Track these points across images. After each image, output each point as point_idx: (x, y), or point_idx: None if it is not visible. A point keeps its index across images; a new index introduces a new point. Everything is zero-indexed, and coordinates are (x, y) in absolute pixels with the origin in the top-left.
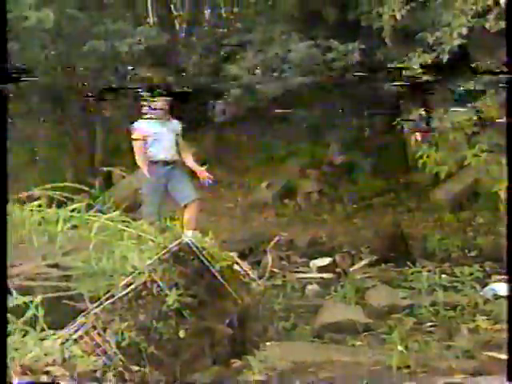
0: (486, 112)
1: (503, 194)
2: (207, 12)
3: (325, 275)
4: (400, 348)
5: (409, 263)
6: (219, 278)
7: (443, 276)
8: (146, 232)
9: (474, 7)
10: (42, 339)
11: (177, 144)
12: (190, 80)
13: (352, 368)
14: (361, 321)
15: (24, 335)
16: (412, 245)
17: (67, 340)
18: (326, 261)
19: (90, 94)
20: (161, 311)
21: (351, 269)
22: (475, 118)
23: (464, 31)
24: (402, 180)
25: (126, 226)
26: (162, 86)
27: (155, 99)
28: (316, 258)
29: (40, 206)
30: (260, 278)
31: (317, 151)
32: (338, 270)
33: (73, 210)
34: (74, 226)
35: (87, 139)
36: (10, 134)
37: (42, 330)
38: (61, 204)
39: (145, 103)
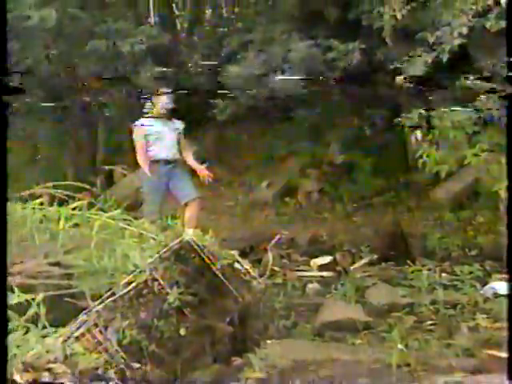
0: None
1: (503, 194)
2: (208, 12)
3: (325, 274)
4: (400, 346)
5: (409, 262)
6: (220, 276)
7: (443, 275)
8: (147, 230)
9: (474, 7)
10: (44, 337)
11: (178, 143)
12: (191, 79)
13: (352, 366)
14: (361, 319)
15: (26, 333)
16: (412, 243)
17: (69, 338)
18: (326, 259)
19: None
20: (162, 309)
21: (351, 267)
22: (475, 116)
23: (464, 31)
24: (402, 179)
25: (128, 225)
26: (163, 85)
27: (156, 98)
28: (316, 257)
29: (42, 204)
30: (261, 276)
31: (317, 150)
32: (338, 268)
33: (74, 209)
34: (76, 225)
35: (89, 138)
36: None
37: (44, 327)
38: (62, 202)
39: (146, 102)
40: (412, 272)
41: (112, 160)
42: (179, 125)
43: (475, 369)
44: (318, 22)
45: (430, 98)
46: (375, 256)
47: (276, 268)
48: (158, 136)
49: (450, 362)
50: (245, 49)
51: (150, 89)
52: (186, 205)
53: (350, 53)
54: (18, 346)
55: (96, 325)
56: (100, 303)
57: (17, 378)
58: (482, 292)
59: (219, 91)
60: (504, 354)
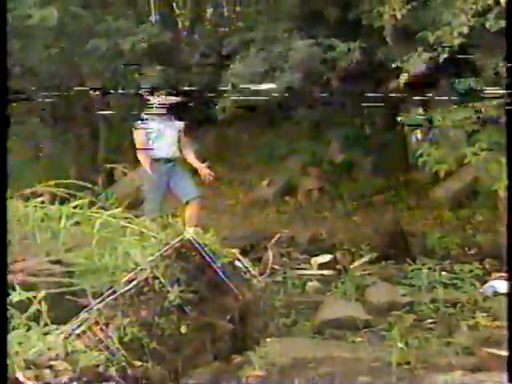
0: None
1: (502, 193)
2: (209, 10)
3: (325, 272)
4: (400, 344)
5: (409, 260)
6: (220, 274)
7: (443, 273)
8: (148, 228)
9: (474, 6)
10: (45, 334)
11: (178, 141)
12: (191, 78)
13: (352, 364)
14: (361, 317)
15: (27, 330)
16: (412, 242)
17: (70, 335)
18: (326, 258)
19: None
20: (163, 307)
21: (351, 266)
22: (475, 116)
23: (464, 30)
24: (402, 178)
25: (129, 223)
26: (163, 83)
27: (157, 97)
28: (317, 255)
29: (43, 202)
30: (261, 274)
31: (317, 149)
32: (338, 266)
33: (75, 207)
34: (77, 223)
35: (90, 137)
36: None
37: (46, 325)
38: (64, 201)
39: (147, 101)
40: (412, 270)
41: (113, 159)
42: (179, 123)
43: (475, 367)
44: (319, 21)
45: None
46: (375, 254)
47: (276, 266)
48: (158, 134)
49: (449, 360)
50: (246, 48)
51: (150, 87)
52: (186, 203)
53: (351, 52)
54: (19, 344)
55: (97, 322)
56: (101, 301)
57: (18, 375)
58: (481, 290)
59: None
60: (503, 353)
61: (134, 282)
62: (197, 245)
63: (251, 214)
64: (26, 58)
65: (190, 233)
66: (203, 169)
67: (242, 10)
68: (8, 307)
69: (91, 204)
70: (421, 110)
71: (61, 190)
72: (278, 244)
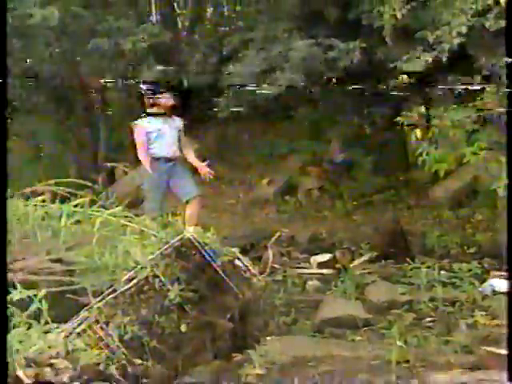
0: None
1: (501, 192)
2: (209, 10)
3: (325, 271)
4: (399, 343)
5: (408, 259)
6: (221, 273)
7: (442, 272)
8: (148, 227)
9: (473, 6)
10: (46, 332)
11: (179, 140)
12: (192, 77)
13: (352, 362)
14: (360, 316)
15: (28, 328)
16: (411, 241)
17: (70, 333)
18: (326, 257)
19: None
20: (163, 305)
21: (351, 265)
22: (475, 115)
23: (464, 30)
24: (401, 177)
25: (129, 222)
26: (164, 83)
27: (158, 96)
28: (316, 254)
29: (44, 201)
30: (261, 273)
31: (317, 149)
32: (338, 265)
33: (76, 206)
34: (78, 221)
35: (91, 136)
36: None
37: (46, 323)
38: (64, 199)
39: (147, 100)
40: (411, 269)
41: (113, 157)
42: (180, 123)
43: (473, 365)
44: (319, 21)
45: (430, 96)
46: (375, 253)
47: (276, 265)
48: (158, 134)
49: (448, 358)
50: (246, 47)
51: (151, 87)
52: (186, 202)
53: (351, 52)
54: (20, 342)
55: (97, 321)
56: (101, 299)
57: (19, 373)
58: (480, 289)
59: (220, 89)
60: (502, 351)
61: (134, 281)
62: (197, 244)
63: (251, 213)
64: (27, 58)
65: (190, 232)
66: (203, 168)
67: (242, 10)
68: (9, 305)
69: (92, 203)
70: (420, 110)
71: (61, 188)
72: (278, 243)
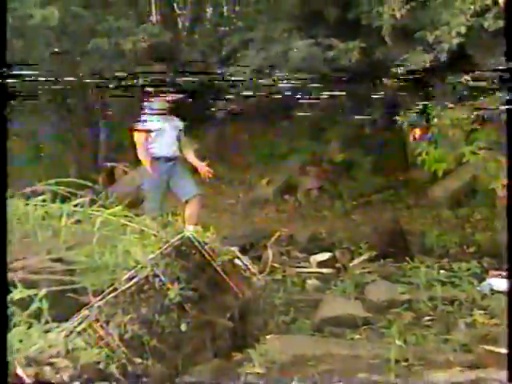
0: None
1: (500, 191)
2: (209, 10)
3: (324, 270)
4: (398, 342)
5: (407, 259)
6: (220, 272)
7: (441, 271)
8: (148, 227)
9: (472, 6)
10: (46, 331)
11: (178, 140)
12: (191, 77)
13: (351, 361)
14: (360, 315)
15: (28, 327)
16: (411, 241)
17: (71, 332)
18: (325, 256)
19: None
20: (163, 305)
21: (351, 264)
22: (473, 115)
23: (463, 30)
24: (401, 177)
25: (129, 221)
26: (164, 83)
27: (158, 96)
28: (316, 254)
29: (44, 200)
30: (261, 272)
31: (317, 148)
32: (337, 265)
33: (76, 205)
34: (78, 221)
35: (91, 136)
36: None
37: (46, 322)
38: (64, 199)
39: (147, 100)
40: (410, 269)
41: (113, 158)
42: (179, 122)
43: (472, 364)
44: (319, 20)
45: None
46: (374, 253)
47: (276, 264)
48: (158, 134)
49: (447, 357)
50: (245, 47)
51: (151, 87)
52: (186, 202)
53: (350, 51)
54: (20, 341)
55: (98, 320)
56: (102, 299)
57: (20, 372)
58: (479, 288)
59: (220, 89)
60: (501, 350)
61: (135, 280)
62: (197, 243)
63: (251, 213)
64: (27, 58)
65: (190, 231)
66: (203, 167)
67: (242, 10)
68: (9, 305)
69: (92, 202)
70: (419, 109)
71: (61, 188)
72: (278, 242)
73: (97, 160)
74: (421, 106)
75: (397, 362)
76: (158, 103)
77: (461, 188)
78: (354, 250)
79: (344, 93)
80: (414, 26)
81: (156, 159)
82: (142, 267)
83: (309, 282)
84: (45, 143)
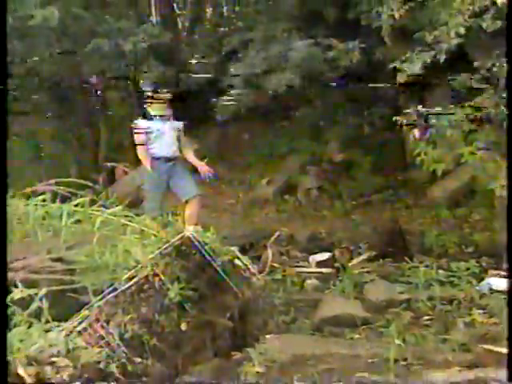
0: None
1: (499, 191)
2: (209, 11)
3: (324, 270)
4: (397, 341)
5: (406, 258)
6: (220, 272)
7: (440, 271)
8: (148, 227)
9: (471, 7)
10: (47, 331)
11: (178, 140)
12: (191, 78)
13: (350, 360)
14: (359, 315)
15: (29, 327)
16: (410, 240)
17: (71, 332)
18: (325, 256)
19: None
20: (163, 304)
21: (350, 264)
22: (472, 115)
23: (461, 30)
24: (400, 177)
25: (129, 221)
26: (164, 83)
27: (158, 96)
28: (315, 253)
29: (44, 200)
30: (260, 272)
31: (317, 148)
32: (336, 264)
33: (76, 205)
34: (78, 221)
35: (91, 136)
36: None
37: (47, 321)
38: (65, 199)
39: (147, 100)
40: (409, 268)
41: (113, 158)
42: (179, 123)
43: (471, 363)
44: (318, 21)
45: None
46: (373, 253)
47: (275, 264)
48: (158, 134)
49: (446, 356)
50: (245, 47)
51: (151, 87)
52: (186, 202)
53: (350, 52)
54: (21, 340)
55: (98, 319)
56: (102, 298)
57: (20, 371)
58: (478, 288)
59: (219, 89)
60: (500, 349)
61: (135, 280)
62: (197, 243)
63: (251, 213)
64: (28, 58)
65: (189, 231)
66: (203, 166)
67: (242, 10)
68: (10, 304)
69: (92, 202)
70: (418, 109)
71: (62, 188)
72: (278, 242)
73: (97, 160)
74: (420, 107)
75: (396, 361)
76: (157, 107)
77: (459, 188)
78: (353, 250)
79: (343, 93)
80: (412, 26)
81: (156, 159)
82: (142, 267)
83: (308, 281)
84: (45, 143)
